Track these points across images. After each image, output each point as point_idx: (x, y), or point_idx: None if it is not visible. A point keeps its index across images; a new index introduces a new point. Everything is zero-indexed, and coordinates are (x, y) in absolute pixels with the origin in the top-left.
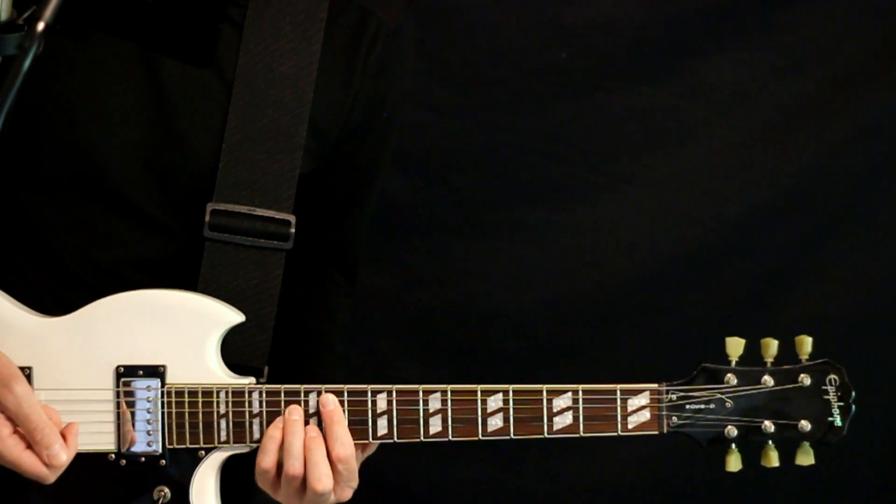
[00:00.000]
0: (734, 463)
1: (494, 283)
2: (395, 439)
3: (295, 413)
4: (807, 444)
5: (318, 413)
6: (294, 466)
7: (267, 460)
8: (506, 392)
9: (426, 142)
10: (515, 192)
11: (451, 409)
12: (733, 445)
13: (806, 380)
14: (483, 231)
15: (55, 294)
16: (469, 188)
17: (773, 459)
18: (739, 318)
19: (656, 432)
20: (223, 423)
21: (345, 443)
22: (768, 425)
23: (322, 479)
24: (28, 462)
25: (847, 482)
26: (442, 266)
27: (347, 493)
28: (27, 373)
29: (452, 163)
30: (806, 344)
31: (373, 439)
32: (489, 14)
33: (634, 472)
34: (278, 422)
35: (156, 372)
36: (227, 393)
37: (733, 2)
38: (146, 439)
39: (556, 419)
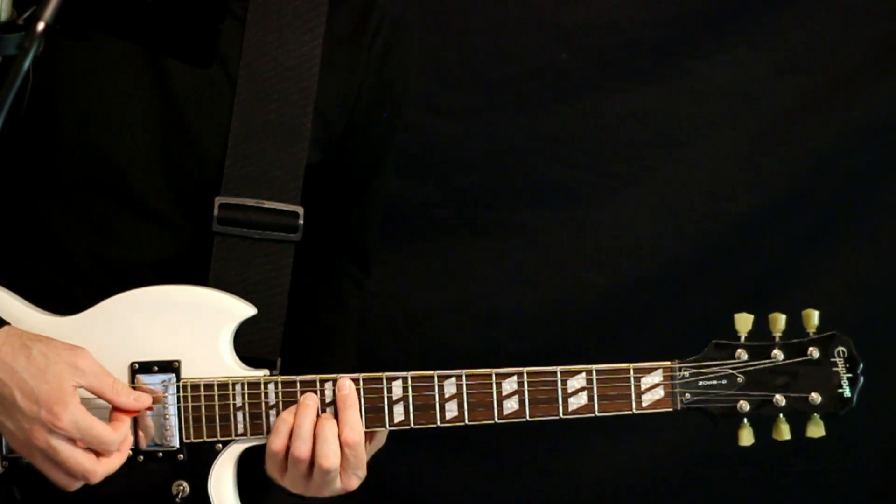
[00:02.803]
0: (746, 437)
1: (495, 283)
2: (412, 426)
3: (309, 399)
4: (817, 416)
5: (334, 402)
6: (300, 448)
7: (278, 442)
8: (520, 374)
9: (426, 142)
10: (516, 192)
11: (467, 394)
12: (745, 420)
13: (815, 352)
14: (483, 232)
15: (67, 294)
16: (469, 189)
17: (784, 433)
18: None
19: (670, 409)
20: (240, 415)
21: (354, 428)
22: (779, 399)
23: (330, 455)
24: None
25: (847, 482)
26: (442, 267)
27: (354, 483)
28: None
29: (453, 163)
30: (813, 317)
31: (390, 426)
32: (489, 14)
33: (634, 472)
34: (293, 407)
35: (170, 367)
36: (242, 385)
37: (733, 2)
38: (163, 434)
39: (570, 400)
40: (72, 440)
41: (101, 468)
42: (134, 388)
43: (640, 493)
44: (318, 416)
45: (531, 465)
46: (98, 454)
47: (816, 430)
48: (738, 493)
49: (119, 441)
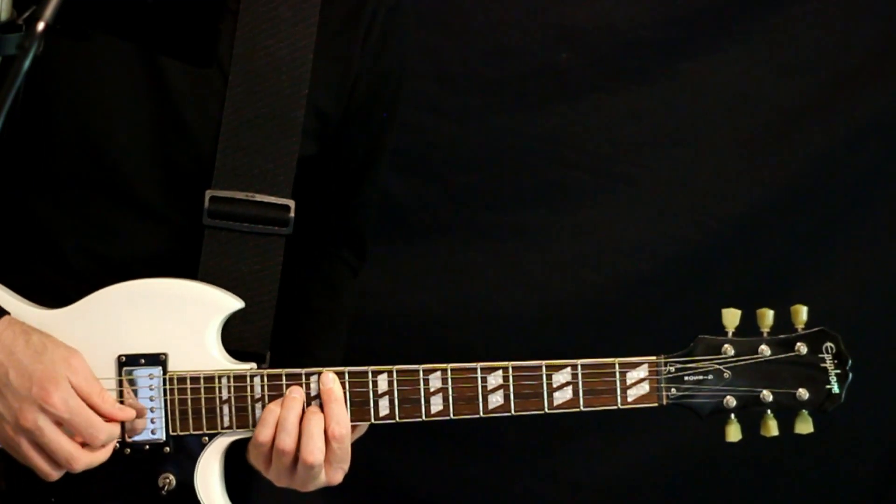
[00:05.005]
0: (734, 433)
1: (494, 284)
2: (397, 419)
3: (295, 392)
4: (805, 412)
5: (319, 395)
6: (285, 441)
7: (265, 433)
8: (505, 369)
9: (426, 142)
10: (515, 192)
11: (452, 388)
12: (732, 416)
13: (802, 348)
14: (483, 232)
15: (57, 287)
16: (469, 189)
17: (772, 429)
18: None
19: (655, 404)
20: (226, 408)
21: (340, 421)
22: (767, 394)
23: (315, 451)
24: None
25: (847, 482)
26: (442, 267)
27: (339, 476)
28: None
29: (452, 164)
30: (801, 313)
31: (375, 420)
32: (489, 14)
33: (634, 472)
34: (279, 399)
35: (157, 360)
36: (228, 378)
37: (733, 2)
38: (150, 427)
39: (556, 394)
40: (59, 424)
41: (84, 457)
42: (121, 403)
43: (640, 493)
44: (304, 409)
45: (530, 464)
46: (83, 444)
47: (804, 426)
48: (737, 493)
49: (108, 432)
